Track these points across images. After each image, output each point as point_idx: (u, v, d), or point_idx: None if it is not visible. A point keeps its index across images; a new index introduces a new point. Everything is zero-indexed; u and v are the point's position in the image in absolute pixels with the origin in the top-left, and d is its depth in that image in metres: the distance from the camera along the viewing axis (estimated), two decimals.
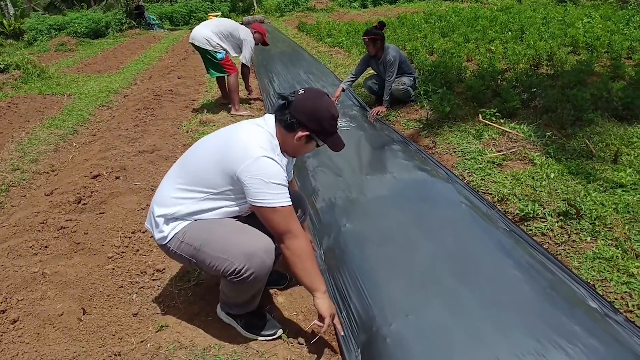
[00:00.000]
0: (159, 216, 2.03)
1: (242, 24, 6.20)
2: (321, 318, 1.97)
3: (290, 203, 1.91)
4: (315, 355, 2.15)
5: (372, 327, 2.21)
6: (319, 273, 2.00)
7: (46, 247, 2.78)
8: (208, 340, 2.19)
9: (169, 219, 2.02)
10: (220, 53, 5.59)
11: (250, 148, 1.88)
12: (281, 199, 1.87)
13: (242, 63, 5.83)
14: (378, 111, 5.53)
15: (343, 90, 5.77)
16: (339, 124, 2.07)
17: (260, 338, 2.19)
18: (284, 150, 2.04)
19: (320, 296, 1.95)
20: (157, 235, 2.05)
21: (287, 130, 1.99)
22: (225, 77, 5.88)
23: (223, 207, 2.01)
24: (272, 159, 1.88)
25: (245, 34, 5.66)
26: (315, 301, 1.96)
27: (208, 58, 5.66)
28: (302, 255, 1.93)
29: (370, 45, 5.53)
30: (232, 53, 5.75)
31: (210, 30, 5.53)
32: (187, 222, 2.01)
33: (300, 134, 1.97)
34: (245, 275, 1.89)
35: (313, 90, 2.05)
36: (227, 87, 5.91)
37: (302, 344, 2.21)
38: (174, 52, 11.82)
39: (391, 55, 5.42)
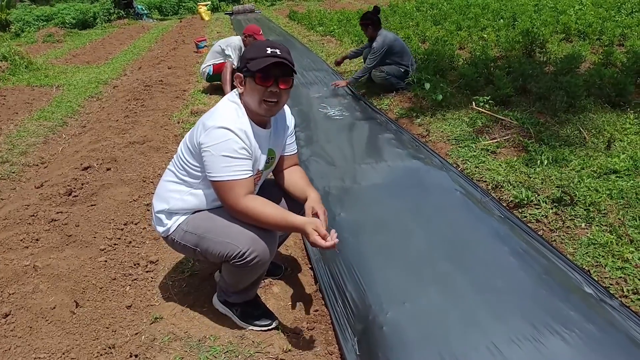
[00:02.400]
0: (158, 212, 2.06)
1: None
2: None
3: (238, 177, 1.82)
4: (312, 345, 2.14)
5: (368, 316, 2.20)
6: (284, 221, 1.85)
7: (37, 240, 2.74)
8: (203, 331, 2.17)
9: (169, 213, 2.04)
10: (208, 73, 6.21)
11: (208, 122, 1.88)
12: (227, 172, 1.81)
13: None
14: (337, 84, 6.08)
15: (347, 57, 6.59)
16: (269, 50, 1.85)
17: (255, 328, 2.18)
18: (251, 114, 1.95)
19: (307, 235, 1.81)
20: (161, 230, 2.07)
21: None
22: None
23: (214, 193, 1.98)
24: (226, 128, 1.82)
25: (227, 43, 6.01)
26: (309, 241, 1.81)
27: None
28: (259, 219, 1.84)
29: (364, 29, 5.84)
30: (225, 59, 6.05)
31: (202, 66, 6.33)
32: (189, 214, 2.03)
33: (235, 76, 1.95)
34: (249, 259, 1.86)
35: None
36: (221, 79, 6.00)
37: (298, 334, 2.20)
38: (164, 42, 11.68)
39: (376, 43, 5.62)
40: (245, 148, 1.86)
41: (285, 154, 2.25)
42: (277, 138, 2.14)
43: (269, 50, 1.85)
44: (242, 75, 1.92)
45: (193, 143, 1.93)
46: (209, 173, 1.85)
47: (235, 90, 2.01)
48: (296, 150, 2.31)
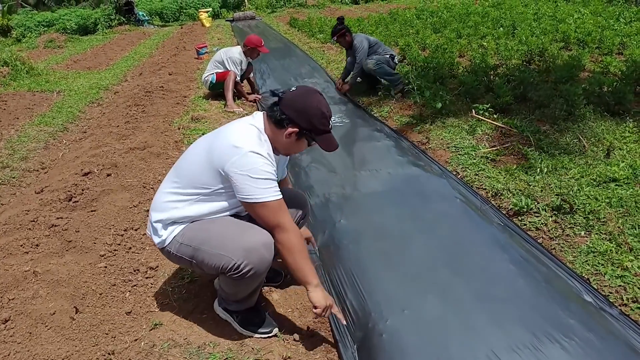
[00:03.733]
0: (155, 222, 2.07)
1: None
2: (316, 308, 1.97)
3: (279, 197, 1.92)
4: (312, 352, 2.14)
5: (368, 323, 2.21)
6: (311, 266, 1.99)
7: (37, 245, 2.74)
8: (203, 338, 2.17)
9: (166, 223, 2.04)
10: (211, 81, 6.22)
11: (237, 144, 1.89)
12: (269, 193, 1.88)
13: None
14: (341, 89, 6.37)
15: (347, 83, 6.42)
16: (331, 122, 2.05)
17: (255, 335, 2.17)
18: (275, 147, 2.04)
19: (312, 289, 1.95)
20: (156, 240, 2.08)
21: (277, 127, 1.98)
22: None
23: (217, 207, 2.02)
24: (259, 154, 1.88)
25: (228, 55, 6.07)
26: (308, 294, 1.97)
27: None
28: (293, 249, 1.92)
29: (342, 41, 6.15)
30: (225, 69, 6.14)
31: (204, 75, 6.40)
32: (185, 224, 2.03)
33: (290, 130, 1.96)
34: (244, 271, 1.88)
35: (305, 87, 2.05)
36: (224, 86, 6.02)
37: (298, 341, 2.20)
38: (165, 49, 11.72)
39: (357, 41, 6.01)
40: (274, 171, 1.95)
41: (280, 178, 2.37)
42: (281, 163, 2.27)
43: (331, 124, 2.04)
44: (298, 131, 1.97)
45: (213, 162, 1.93)
46: (248, 195, 1.87)
47: (256, 114, 2.07)
48: (286, 174, 2.48)
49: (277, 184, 1.94)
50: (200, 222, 2.02)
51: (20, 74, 8.41)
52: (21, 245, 2.71)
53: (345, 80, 6.41)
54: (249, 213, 1.97)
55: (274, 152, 2.03)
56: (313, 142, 2.04)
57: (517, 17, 10.56)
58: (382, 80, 6.10)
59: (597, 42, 7.60)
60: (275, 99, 2.00)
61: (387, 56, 6.05)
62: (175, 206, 2.02)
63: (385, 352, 2.04)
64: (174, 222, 2.03)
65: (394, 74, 6.02)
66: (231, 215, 2.08)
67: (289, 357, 2.08)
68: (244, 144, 1.88)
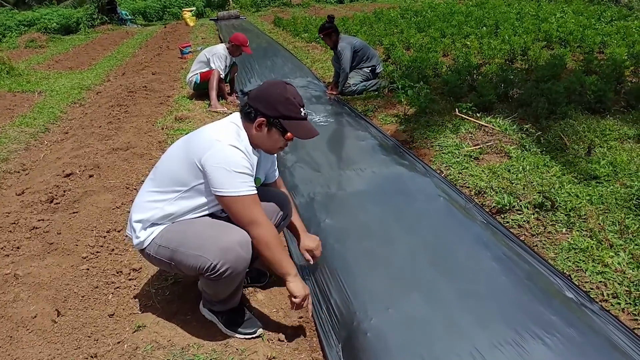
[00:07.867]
0: (136, 221, 2.05)
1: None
2: (296, 298, 2.00)
3: (254, 192, 1.92)
4: (297, 352, 2.14)
5: (352, 322, 2.21)
6: (288, 258, 2.04)
7: (18, 248, 2.70)
8: (187, 339, 2.16)
9: (146, 224, 2.03)
10: (195, 82, 6.18)
11: (215, 137, 1.92)
12: (243, 187, 1.88)
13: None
14: (330, 94, 6.28)
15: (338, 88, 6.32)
16: (302, 111, 2.01)
17: (239, 336, 2.17)
18: (254, 144, 2.04)
19: (292, 279, 1.98)
20: (135, 241, 2.06)
21: (249, 121, 2.00)
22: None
23: (197, 205, 2.00)
24: (236, 147, 1.89)
25: (212, 52, 6.03)
26: (287, 285, 1.99)
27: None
28: (270, 243, 1.94)
29: (327, 40, 6.14)
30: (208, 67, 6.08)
31: (188, 75, 6.35)
32: (164, 226, 2.02)
33: (258, 120, 1.97)
34: (221, 271, 1.87)
35: (272, 80, 2.09)
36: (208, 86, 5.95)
37: (283, 341, 2.20)
38: (148, 48, 11.61)
39: (340, 47, 6.01)
40: (251, 167, 1.95)
41: (270, 181, 2.38)
42: (264, 165, 2.25)
43: (302, 112, 2.00)
44: (266, 121, 1.97)
45: (190, 156, 1.93)
46: (222, 189, 1.86)
47: (236, 113, 2.08)
48: (278, 175, 2.45)
49: (253, 181, 1.95)
50: (178, 224, 2.01)
51: (1, 75, 8.27)
52: (2, 248, 2.68)
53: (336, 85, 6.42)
54: (223, 208, 1.96)
55: (255, 150, 2.04)
56: (287, 132, 2.00)
57: (500, 16, 10.66)
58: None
59: (579, 41, 7.71)
60: (246, 97, 2.03)
61: (368, 70, 6.14)
62: (156, 206, 2.00)
63: (370, 350, 2.05)
64: (154, 224, 2.02)
65: (375, 83, 6.16)
66: (210, 215, 2.06)
67: (273, 357, 2.07)
68: (221, 138, 1.91)
